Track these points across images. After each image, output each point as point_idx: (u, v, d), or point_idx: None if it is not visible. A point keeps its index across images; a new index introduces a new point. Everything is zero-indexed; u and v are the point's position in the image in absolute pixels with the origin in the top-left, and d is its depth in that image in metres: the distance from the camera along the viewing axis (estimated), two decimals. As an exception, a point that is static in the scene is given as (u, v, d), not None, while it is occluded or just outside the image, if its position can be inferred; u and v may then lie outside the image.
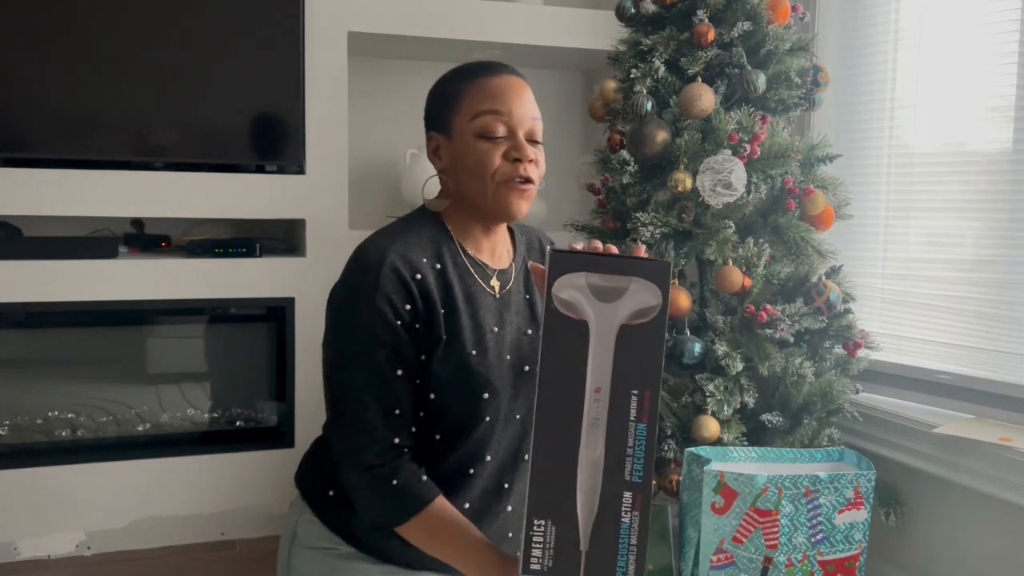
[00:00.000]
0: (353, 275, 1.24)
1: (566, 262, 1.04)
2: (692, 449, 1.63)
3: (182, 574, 2.48)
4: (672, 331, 2.02)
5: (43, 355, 2.71)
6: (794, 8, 2.07)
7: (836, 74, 2.23)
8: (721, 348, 1.89)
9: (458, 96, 1.27)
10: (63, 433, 2.65)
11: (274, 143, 2.61)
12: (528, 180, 1.24)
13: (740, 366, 1.88)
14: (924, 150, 2.17)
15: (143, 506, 2.54)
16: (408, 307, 1.21)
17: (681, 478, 1.67)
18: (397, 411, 1.21)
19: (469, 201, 1.28)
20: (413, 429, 1.24)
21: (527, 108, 1.26)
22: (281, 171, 2.63)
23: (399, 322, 1.20)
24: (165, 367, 2.80)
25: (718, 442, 1.87)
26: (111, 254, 2.49)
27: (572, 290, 1.03)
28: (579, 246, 1.16)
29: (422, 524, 1.20)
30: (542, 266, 1.21)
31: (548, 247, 1.15)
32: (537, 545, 1.04)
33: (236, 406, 2.82)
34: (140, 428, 2.72)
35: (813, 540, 1.56)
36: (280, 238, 2.83)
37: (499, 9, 2.78)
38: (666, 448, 1.94)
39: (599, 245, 1.18)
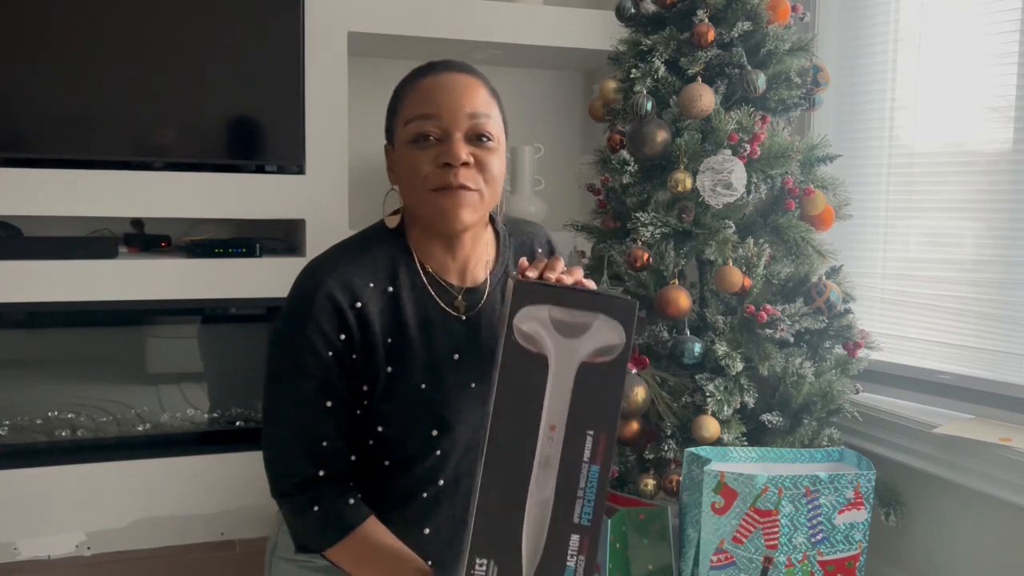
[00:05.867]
0: (291, 299, 1.20)
1: (530, 293, 1.00)
2: (692, 449, 1.64)
3: (182, 574, 2.48)
4: (672, 331, 2.02)
5: (43, 355, 2.71)
6: (794, 8, 2.07)
7: (836, 74, 2.23)
8: (721, 348, 1.89)
9: (398, 102, 1.21)
10: (63, 433, 2.65)
11: (274, 143, 2.61)
12: (461, 187, 1.14)
13: (740, 366, 1.88)
14: (924, 150, 2.17)
15: (143, 506, 2.54)
16: (343, 336, 1.15)
17: (681, 478, 1.67)
18: (324, 443, 1.16)
19: (415, 214, 1.21)
20: (353, 457, 1.19)
21: (464, 105, 1.15)
22: (281, 171, 2.63)
23: (331, 352, 1.15)
24: (165, 367, 2.80)
25: (718, 442, 1.87)
26: (111, 254, 2.49)
27: (534, 323, 0.99)
28: (532, 273, 1.09)
29: (348, 549, 1.16)
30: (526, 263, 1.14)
31: (511, 276, 1.09)
32: None
33: (236, 406, 2.82)
34: (140, 428, 2.72)
35: (813, 540, 1.56)
36: (280, 238, 2.83)
37: (499, 9, 2.78)
38: (666, 448, 1.94)
39: (561, 267, 1.10)
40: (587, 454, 1.01)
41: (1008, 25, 1.93)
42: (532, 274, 1.09)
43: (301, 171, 2.61)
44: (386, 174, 1.30)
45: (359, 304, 1.16)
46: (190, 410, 2.79)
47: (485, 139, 1.16)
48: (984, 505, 1.88)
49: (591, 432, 1.00)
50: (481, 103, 1.17)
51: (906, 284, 2.20)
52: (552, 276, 1.08)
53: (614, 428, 1.02)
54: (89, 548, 2.49)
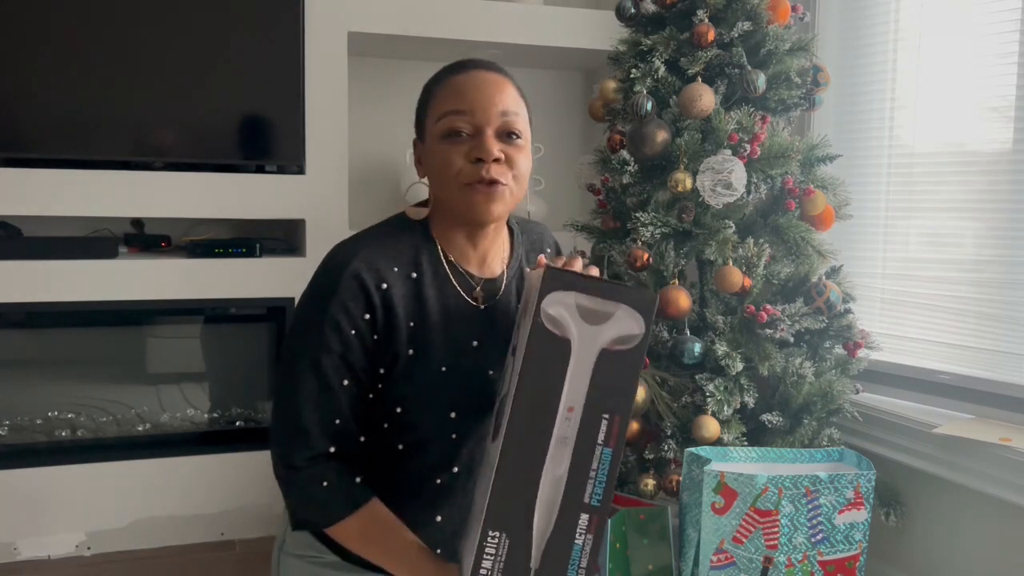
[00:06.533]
0: (317, 277, 1.22)
1: (559, 280, 1.04)
2: (692, 449, 1.63)
3: (182, 574, 2.48)
4: (672, 331, 2.02)
5: (43, 355, 2.71)
6: (794, 8, 2.07)
7: (836, 74, 2.23)
8: (721, 348, 1.88)
9: (429, 98, 1.23)
10: (63, 433, 2.65)
11: (274, 143, 2.61)
12: (494, 182, 1.17)
13: (740, 366, 1.88)
14: (924, 150, 2.17)
15: (143, 506, 2.54)
16: (367, 316, 1.17)
17: (681, 478, 1.67)
18: (337, 420, 1.18)
19: (444, 206, 1.23)
20: (363, 439, 1.22)
21: (496, 103, 1.18)
22: (281, 171, 2.63)
23: (353, 331, 1.17)
24: (165, 367, 2.80)
25: (718, 442, 1.87)
26: (111, 254, 2.49)
27: (560, 307, 1.03)
28: (560, 262, 1.15)
29: (353, 526, 1.18)
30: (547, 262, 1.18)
31: (547, 263, 1.14)
32: (488, 557, 1.04)
33: (236, 406, 2.82)
34: (140, 428, 2.72)
35: (813, 540, 1.56)
36: (280, 238, 2.83)
37: (499, 9, 2.78)
38: (666, 448, 1.94)
39: (579, 266, 1.16)
40: (601, 436, 1.05)
41: (1008, 25, 1.93)
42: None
43: (301, 171, 2.61)
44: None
45: (384, 286, 1.19)
46: (190, 410, 2.79)
47: (515, 136, 1.20)
48: (984, 505, 1.88)
49: (606, 415, 1.04)
50: (511, 101, 1.21)
51: (906, 284, 2.20)
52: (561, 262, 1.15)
53: (628, 413, 1.06)
54: (89, 548, 2.49)
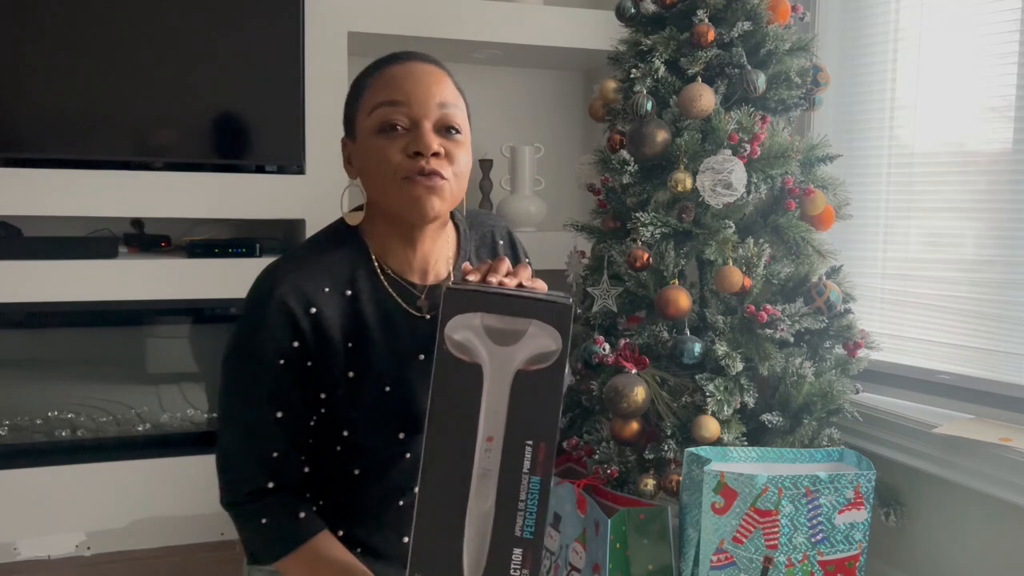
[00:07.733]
0: (245, 308, 1.16)
1: (461, 300, 0.96)
2: (692, 449, 1.64)
3: (182, 574, 2.48)
4: (672, 331, 2.02)
5: (43, 355, 2.71)
6: (794, 8, 2.07)
7: (836, 74, 2.23)
8: (721, 348, 1.89)
9: (360, 91, 1.17)
10: (63, 433, 2.65)
11: (274, 143, 2.61)
12: (433, 173, 1.10)
13: (740, 366, 1.88)
14: (924, 150, 2.17)
15: (143, 506, 2.54)
16: (296, 344, 1.12)
17: (681, 478, 1.67)
18: (274, 454, 1.14)
19: (380, 207, 1.17)
20: (307, 469, 1.18)
21: (433, 94, 1.12)
22: (281, 171, 2.63)
23: (282, 360, 1.12)
24: (165, 367, 2.80)
25: (718, 442, 1.87)
26: (111, 254, 2.49)
27: (466, 331, 0.95)
28: (474, 277, 1.04)
29: (298, 562, 1.14)
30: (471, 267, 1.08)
31: (445, 285, 1.04)
32: None
33: (236, 406, 2.82)
34: (140, 428, 2.72)
35: (813, 540, 1.56)
36: (280, 238, 2.83)
37: (499, 9, 2.78)
38: (666, 448, 1.94)
39: (505, 269, 1.05)
40: (527, 465, 0.97)
41: (1008, 25, 1.93)
42: (474, 278, 1.04)
43: (301, 171, 2.61)
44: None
45: (313, 310, 1.13)
46: (190, 410, 2.79)
47: (454, 131, 1.14)
48: (984, 505, 1.88)
49: (530, 442, 0.97)
50: (449, 94, 1.15)
51: (906, 284, 2.20)
52: (494, 280, 1.03)
53: (554, 437, 0.98)
54: (89, 548, 2.49)
